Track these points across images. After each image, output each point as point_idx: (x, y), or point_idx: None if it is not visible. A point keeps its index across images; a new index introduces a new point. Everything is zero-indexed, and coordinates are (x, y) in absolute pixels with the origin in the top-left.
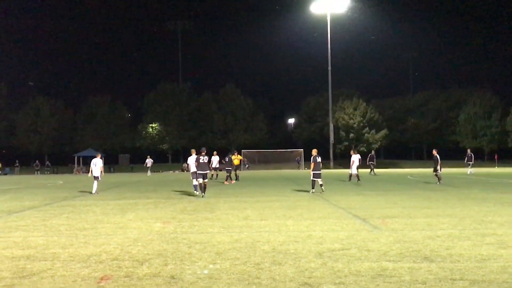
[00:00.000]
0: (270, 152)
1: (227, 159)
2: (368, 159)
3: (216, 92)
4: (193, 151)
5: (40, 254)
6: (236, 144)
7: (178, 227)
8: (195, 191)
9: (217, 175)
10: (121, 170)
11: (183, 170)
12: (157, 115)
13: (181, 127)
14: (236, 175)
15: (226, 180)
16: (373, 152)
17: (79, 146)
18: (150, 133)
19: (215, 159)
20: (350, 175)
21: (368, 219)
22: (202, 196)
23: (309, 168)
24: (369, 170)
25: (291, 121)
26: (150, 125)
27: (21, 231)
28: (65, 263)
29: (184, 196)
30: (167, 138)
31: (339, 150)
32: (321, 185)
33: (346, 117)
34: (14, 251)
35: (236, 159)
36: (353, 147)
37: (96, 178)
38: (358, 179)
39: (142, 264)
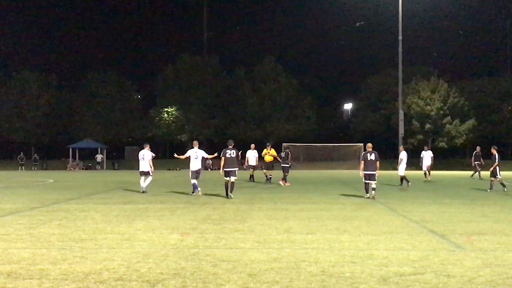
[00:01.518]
0: (319, 147)
1: (283, 154)
2: (473, 158)
3: (250, 68)
4: (195, 143)
5: (24, 270)
6: (275, 136)
7: (200, 240)
8: (193, 193)
9: (252, 177)
10: (128, 167)
11: (206, 168)
12: (174, 97)
13: (205, 113)
14: (268, 176)
15: (282, 180)
16: (478, 149)
17: (76, 135)
18: (166, 120)
19: (252, 154)
20: (402, 179)
21: (449, 236)
22: (229, 197)
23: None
24: (472, 172)
25: (348, 107)
26: (166, 109)
27: (0, 242)
28: (56, 282)
29: (207, 200)
30: (187, 126)
31: (411, 146)
32: (373, 189)
33: (421, 103)
34: None
35: (267, 154)
36: (429, 142)
37: (145, 173)
38: (407, 182)
39: (153, 286)
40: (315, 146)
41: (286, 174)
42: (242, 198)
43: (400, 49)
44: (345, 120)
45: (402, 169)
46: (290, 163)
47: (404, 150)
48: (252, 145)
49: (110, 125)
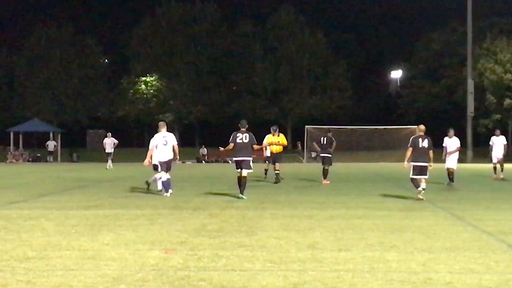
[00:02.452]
0: (356, 131)
1: (324, 140)
2: None
3: (261, 21)
4: (162, 124)
5: None
6: (295, 116)
7: (191, 259)
8: (164, 193)
9: (266, 171)
10: (91, 158)
11: (200, 160)
12: (155, 61)
13: (198, 84)
14: (274, 172)
15: (324, 178)
16: None
17: (18, 114)
18: (143, 94)
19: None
20: (449, 174)
21: None
22: (239, 198)
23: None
24: None
25: (396, 75)
26: (143, 79)
27: None
28: None
29: (202, 204)
30: (172, 102)
31: (483, 129)
32: (423, 189)
33: (498, 69)
34: None
35: (274, 143)
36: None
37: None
38: (451, 179)
39: None
40: (351, 129)
41: (327, 168)
42: (250, 201)
43: None
44: (393, 93)
45: (451, 161)
46: (314, 153)
47: (452, 136)
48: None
49: (66, 100)
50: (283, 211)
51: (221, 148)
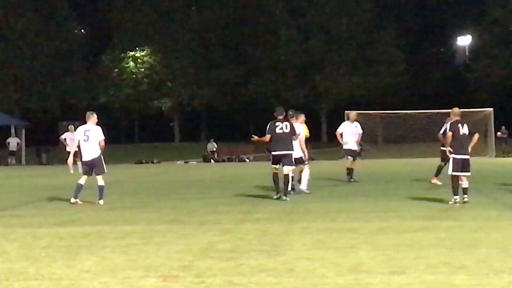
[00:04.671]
0: (413, 117)
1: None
2: None
3: None
4: (89, 115)
5: None
6: (331, 98)
7: None
8: (72, 199)
9: (350, 173)
10: (64, 158)
11: (208, 159)
12: (146, 31)
13: (203, 60)
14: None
15: (436, 176)
16: None
17: None
18: (132, 74)
19: (350, 130)
20: None
21: None
22: (282, 199)
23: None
24: None
25: (463, 42)
26: (131, 54)
27: None
28: None
29: (211, 217)
30: (170, 84)
31: None
32: (464, 189)
33: None
34: None
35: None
36: None
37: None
38: None
39: None
40: (406, 114)
41: (443, 165)
42: (273, 212)
43: None
44: (459, 66)
45: None
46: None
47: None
48: (353, 114)
49: (31, 84)
50: (316, 224)
51: (255, 137)
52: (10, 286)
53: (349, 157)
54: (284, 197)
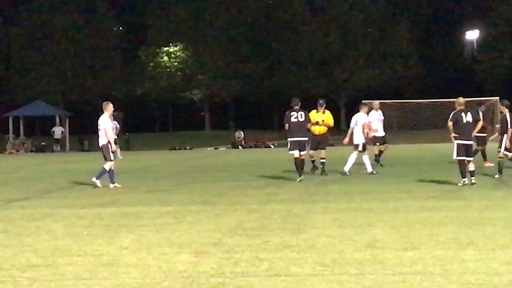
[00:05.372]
0: (425, 105)
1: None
2: None
3: None
4: (108, 106)
5: None
6: (349, 89)
7: (226, 263)
8: (111, 183)
9: (378, 156)
10: None
11: (236, 145)
12: (179, 28)
13: (231, 54)
14: (320, 162)
15: (484, 160)
16: None
17: (18, 96)
18: (166, 68)
19: (378, 118)
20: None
21: None
22: (299, 180)
23: None
24: None
25: (472, 36)
26: (165, 49)
27: None
28: None
29: (239, 199)
30: (201, 77)
31: None
32: (471, 172)
33: None
34: None
35: (318, 122)
36: None
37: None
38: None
39: None
40: (419, 103)
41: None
42: (296, 193)
43: None
44: (468, 59)
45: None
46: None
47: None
48: (376, 103)
49: (74, 78)
50: (336, 204)
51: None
52: (56, 262)
53: (377, 143)
54: (300, 178)
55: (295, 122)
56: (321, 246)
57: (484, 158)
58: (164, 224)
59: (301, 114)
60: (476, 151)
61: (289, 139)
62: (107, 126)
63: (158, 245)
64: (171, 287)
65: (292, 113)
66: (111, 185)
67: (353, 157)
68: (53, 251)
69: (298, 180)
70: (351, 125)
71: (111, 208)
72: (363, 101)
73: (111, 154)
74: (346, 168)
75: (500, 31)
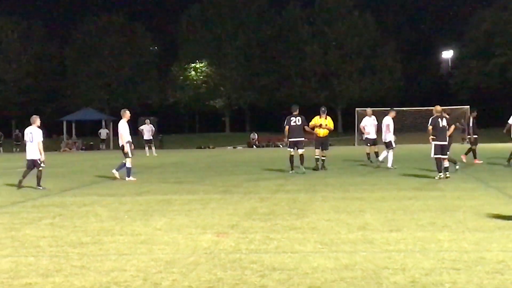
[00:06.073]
0: (408, 112)
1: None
2: None
3: (309, 4)
4: (125, 113)
5: (5, 286)
6: (344, 99)
7: (242, 242)
8: (127, 177)
9: (372, 155)
10: (142, 144)
11: (251, 145)
12: (204, 47)
13: (247, 69)
14: (321, 159)
15: (475, 158)
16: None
17: (71, 103)
18: (193, 80)
19: (370, 123)
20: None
21: None
22: (302, 172)
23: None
24: None
25: (447, 56)
26: (193, 65)
27: None
28: None
29: (253, 189)
30: (222, 88)
31: None
32: (445, 168)
33: None
34: None
35: (321, 126)
36: None
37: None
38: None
39: None
40: (403, 110)
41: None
42: (301, 184)
43: None
44: (444, 74)
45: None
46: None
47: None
48: (369, 110)
49: (117, 88)
50: (334, 194)
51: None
52: (101, 240)
53: (368, 144)
54: (302, 167)
55: (293, 125)
56: (321, 228)
57: (475, 156)
58: (191, 209)
59: (298, 119)
60: (470, 150)
61: (288, 140)
62: (123, 131)
63: (186, 226)
64: (196, 262)
65: (291, 118)
66: (127, 179)
67: (390, 154)
68: (99, 231)
69: (290, 172)
70: (383, 127)
71: (147, 196)
72: (391, 108)
73: (129, 152)
74: (389, 164)
75: (470, 51)
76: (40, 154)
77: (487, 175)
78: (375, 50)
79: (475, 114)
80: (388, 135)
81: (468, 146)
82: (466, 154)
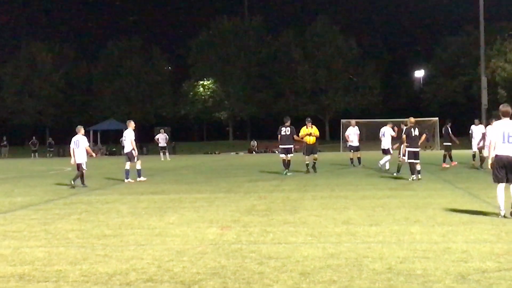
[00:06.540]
0: (386, 123)
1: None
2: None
3: (301, 31)
4: (130, 123)
5: (39, 272)
6: (331, 111)
7: (243, 234)
8: (125, 179)
9: (355, 160)
10: (157, 151)
11: (251, 151)
12: (211, 67)
13: (248, 86)
14: (312, 162)
15: (444, 162)
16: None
17: (97, 115)
18: (202, 95)
19: (353, 132)
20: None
21: None
22: (286, 173)
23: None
24: None
25: (419, 74)
26: (201, 82)
27: (11, 240)
28: (76, 285)
29: (252, 189)
30: (226, 102)
31: (495, 119)
32: (418, 171)
33: (508, 67)
34: (1, 268)
35: (309, 134)
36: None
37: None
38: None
39: None
40: (381, 122)
41: (447, 153)
42: (293, 185)
43: (481, 1)
44: (416, 90)
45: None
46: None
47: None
48: (353, 121)
49: (137, 102)
50: (322, 193)
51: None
52: (122, 233)
53: (352, 150)
54: (287, 171)
55: (284, 135)
56: (310, 222)
57: (451, 159)
58: (199, 206)
59: (288, 129)
60: (446, 155)
61: (280, 146)
62: (131, 138)
63: (195, 221)
64: (203, 251)
65: (282, 128)
66: (126, 180)
67: (386, 158)
68: (120, 225)
69: (284, 173)
70: (380, 135)
71: (162, 195)
72: (389, 120)
73: (135, 157)
74: (387, 166)
75: (439, 70)
76: (90, 154)
77: (454, 178)
78: (358, 69)
79: (449, 124)
80: (387, 143)
81: (432, 152)
82: (444, 161)
